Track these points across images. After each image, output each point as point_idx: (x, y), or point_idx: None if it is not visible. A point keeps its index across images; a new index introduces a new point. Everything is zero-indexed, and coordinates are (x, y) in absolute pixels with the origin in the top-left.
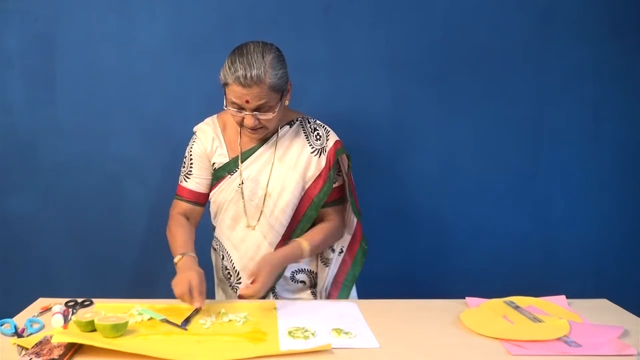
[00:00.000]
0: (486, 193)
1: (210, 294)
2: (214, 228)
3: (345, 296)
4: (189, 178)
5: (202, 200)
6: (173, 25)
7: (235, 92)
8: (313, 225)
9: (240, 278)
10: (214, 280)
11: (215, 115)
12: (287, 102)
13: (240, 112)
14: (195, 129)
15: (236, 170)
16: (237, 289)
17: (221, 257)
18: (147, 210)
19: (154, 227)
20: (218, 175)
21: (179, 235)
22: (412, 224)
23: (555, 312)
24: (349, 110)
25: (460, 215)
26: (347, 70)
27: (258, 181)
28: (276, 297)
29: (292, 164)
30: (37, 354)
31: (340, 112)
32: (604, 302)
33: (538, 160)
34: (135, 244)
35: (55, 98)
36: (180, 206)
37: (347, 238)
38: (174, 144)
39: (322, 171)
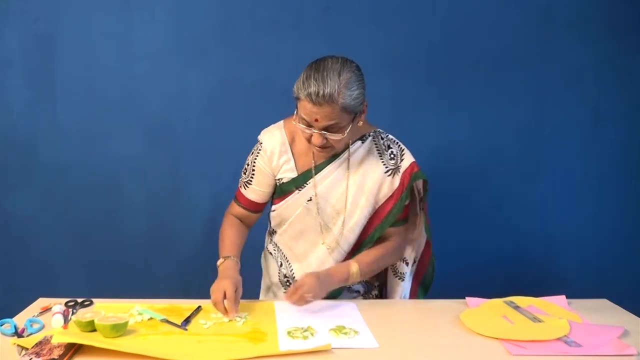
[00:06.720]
0: (486, 193)
1: (255, 296)
2: (273, 232)
3: None
4: (247, 187)
5: (259, 208)
6: (173, 25)
7: (305, 109)
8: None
9: None
10: (261, 283)
11: (282, 123)
12: (360, 123)
13: (309, 129)
14: (260, 138)
15: (305, 186)
16: None
17: (279, 264)
18: (147, 210)
19: (154, 227)
20: (285, 189)
21: (228, 237)
22: None
23: (555, 312)
24: None
25: (460, 215)
26: None
27: (328, 199)
28: None
29: (365, 184)
30: (37, 354)
31: None
32: (604, 302)
33: (538, 160)
34: (135, 244)
35: (55, 98)
36: (236, 210)
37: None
38: (174, 144)
39: (394, 192)
